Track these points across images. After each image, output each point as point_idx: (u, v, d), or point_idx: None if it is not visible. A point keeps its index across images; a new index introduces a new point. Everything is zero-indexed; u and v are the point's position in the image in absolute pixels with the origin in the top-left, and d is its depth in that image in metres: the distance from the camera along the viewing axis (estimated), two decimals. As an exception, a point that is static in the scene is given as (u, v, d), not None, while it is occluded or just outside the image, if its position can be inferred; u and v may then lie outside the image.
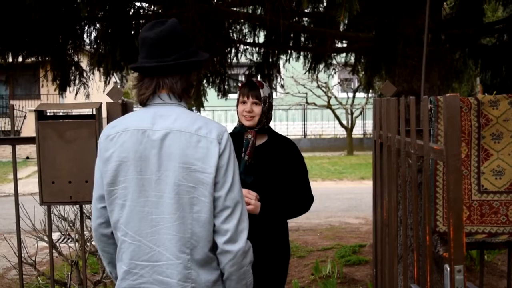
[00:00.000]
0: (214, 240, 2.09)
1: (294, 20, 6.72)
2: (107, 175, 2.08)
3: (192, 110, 8.61)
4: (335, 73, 9.10)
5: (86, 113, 3.11)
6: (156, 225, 2.05)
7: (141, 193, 2.05)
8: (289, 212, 3.07)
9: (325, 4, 6.54)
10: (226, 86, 7.47)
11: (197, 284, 2.07)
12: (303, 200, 3.09)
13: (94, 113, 2.96)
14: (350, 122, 21.84)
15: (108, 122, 2.99)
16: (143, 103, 2.15)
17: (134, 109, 3.05)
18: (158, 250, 2.05)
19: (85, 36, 6.13)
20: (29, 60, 6.07)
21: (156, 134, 2.04)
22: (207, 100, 7.63)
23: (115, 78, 7.53)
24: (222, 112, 21.82)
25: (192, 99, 2.27)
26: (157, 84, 2.10)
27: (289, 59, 7.58)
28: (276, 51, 7.31)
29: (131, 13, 5.85)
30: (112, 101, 3.04)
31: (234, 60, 7.23)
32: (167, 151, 2.02)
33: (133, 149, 2.05)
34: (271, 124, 3.18)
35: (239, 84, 3.16)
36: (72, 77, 6.57)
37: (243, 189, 2.81)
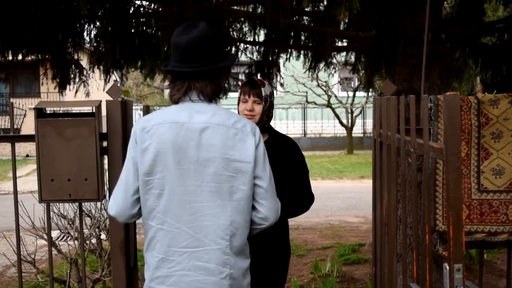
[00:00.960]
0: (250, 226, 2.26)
1: (294, 18, 6.70)
2: (144, 165, 2.17)
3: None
4: (335, 72, 9.09)
5: (85, 111, 3.11)
6: (195, 213, 2.15)
7: (179, 182, 2.14)
8: (289, 212, 3.07)
9: (325, 2, 6.54)
10: (226, 85, 7.46)
11: (235, 270, 2.19)
12: (304, 199, 3.09)
13: (94, 111, 2.96)
14: (350, 121, 21.84)
15: (107, 120, 3.00)
16: (175, 103, 2.27)
17: (134, 107, 3.05)
18: (197, 236, 2.15)
19: (85, 34, 6.12)
20: (29, 58, 6.06)
21: (195, 126, 2.16)
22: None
23: (115, 76, 7.53)
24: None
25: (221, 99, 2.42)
26: (188, 87, 2.22)
27: (289, 58, 7.56)
28: (276, 50, 7.30)
29: (131, 11, 5.84)
30: (111, 99, 3.04)
31: (234, 58, 7.21)
32: (206, 143, 2.15)
33: (171, 140, 2.15)
34: (271, 123, 3.17)
35: (240, 83, 3.15)
36: (72, 75, 6.57)
37: None
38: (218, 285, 2.17)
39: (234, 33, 6.99)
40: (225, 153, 2.15)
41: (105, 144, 3.05)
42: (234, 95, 3.19)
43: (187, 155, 2.14)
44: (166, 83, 2.34)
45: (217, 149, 2.14)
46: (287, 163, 3.04)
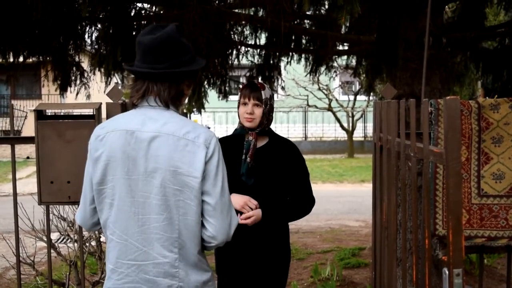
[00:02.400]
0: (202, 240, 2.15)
1: (295, 22, 6.71)
2: (96, 175, 2.11)
3: (193, 111, 8.64)
4: (336, 75, 9.08)
5: (86, 113, 3.11)
6: (143, 225, 2.07)
7: (128, 193, 2.07)
8: (290, 215, 3.06)
9: (326, 6, 6.54)
10: (227, 88, 7.46)
11: (185, 283, 2.10)
12: (304, 202, 3.09)
13: (94, 113, 2.95)
14: (351, 124, 21.83)
15: (107, 122, 2.99)
16: (133, 105, 2.19)
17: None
18: (145, 249, 2.08)
19: (86, 36, 6.13)
20: (30, 60, 6.06)
21: (144, 135, 2.07)
22: (208, 102, 7.62)
23: (116, 78, 7.53)
24: (223, 113, 21.82)
25: (183, 105, 2.27)
26: (146, 88, 2.12)
27: (290, 61, 7.56)
28: (277, 53, 7.30)
29: (132, 14, 5.85)
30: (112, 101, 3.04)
31: (235, 61, 7.22)
32: (154, 153, 2.05)
33: (121, 149, 2.07)
34: (272, 126, 3.17)
35: (240, 86, 3.15)
36: (73, 78, 6.57)
37: (244, 196, 2.84)
38: None
39: (235, 36, 6.99)
40: (172, 165, 2.04)
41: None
42: (234, 98, 3.18)
43: (136, 165, 2.06)
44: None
45: (164, 160, 2.04)
46: (288, 166, 3.03)
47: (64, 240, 4.86)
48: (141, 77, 2.14)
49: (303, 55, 7.51)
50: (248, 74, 7.52)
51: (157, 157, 2.05)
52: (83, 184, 2.20)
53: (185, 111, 8.32)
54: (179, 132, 2.07)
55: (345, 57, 8.30)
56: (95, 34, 6.15)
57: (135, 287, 2.10)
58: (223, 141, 3.03)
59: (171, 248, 2.07)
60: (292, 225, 7.40)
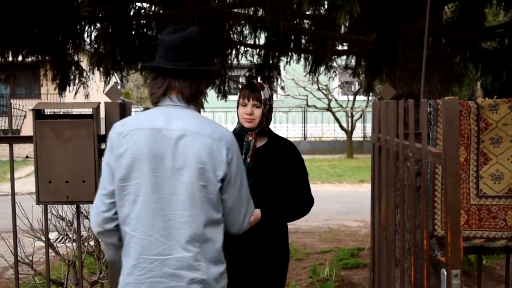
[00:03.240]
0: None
1: (294, 22, 6.70)
2: (119, 171, 2.16)
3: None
4: (335, 75, 9.08)
5: (84, 113, 3.10)
6: (168, 221, 2.14)
7: (154, 190, 2.13)
8: (289, 215, 3.06)
9: (326, 6, 6.54)
10: (226, 88, 7.46)
11: (207, 275, 2.17)
12: (303, 202, 3.09)
13: (92, 113, 2.95)
14: (350, 125, 21.84)
15: (106, 122, 2.99)
16: (154, 103, 2.26)
17: (134, 109, 3.05)
18: (170, 244, 2.14)
19: (85, 35, 6.12)
20: (29, 59, 6.06)
21: (172, 133, 2.14)
22: (207, 101, 7.61)
23: (115, 78, 7.52)
24: (222, 113, 21.78)
25: (199, 104, 2.37)
26: (168, 85, 2.20)
27: (289, 61, 7.56)
28: (276, 53, 7.29)
29: (131, 13, 5.84)
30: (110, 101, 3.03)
31: (235, 61, 7.22)
32: (182, 151, 2.12)
33: (147, 147, 2.13)
34: (271, 126, 3.16)
35: (239, 86, 3.14)
36: (72, 77, 6.56)
37: None
38: None
39: (235, 36, 6.99)
40: (199, 162, 2.12)
41: (103, 146, 3.04)
42: (234, 98, 3.18)
43: (163, 163, 2.12)
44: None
45: (192, 157, 2.12)
46: (287, 166, 3.03)
47: (63, 239, 4.86)
48: (162, 74, 2.21)
49: (302, 55, 7.51)
50: (247, 74, 7.51)
51: (185, 154, 2.12)
52: (101, 178, 2.24)
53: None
54: (205, 131, 2.16)
55: (344, 57, 8.31)
56: (94, 34, 6.14)
57: (157, 281, 2.15)
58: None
59: (194, 243, 2.14)
60: (291, 225, 7.40)
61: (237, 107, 3.05)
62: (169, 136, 2.13)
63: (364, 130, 23.55)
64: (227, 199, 2.21)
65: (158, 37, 2.25)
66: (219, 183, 2.16)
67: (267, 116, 3.03)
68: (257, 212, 2.89)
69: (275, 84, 7.61)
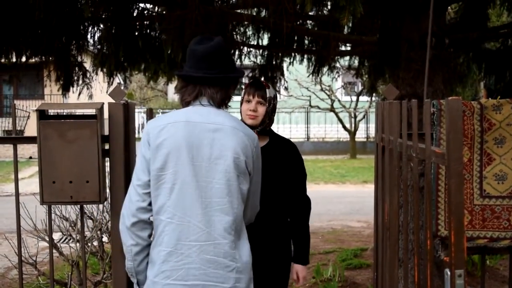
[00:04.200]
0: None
1: (298, 22, 6.71)
2: (157, 161, 2.28)
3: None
4: (338, 76, 9.08)
5: (88, 113, 3.10)
6: (206, 207, 2.26)
7: (193, 178, 2.26)
8: (308, 233, 3.21)
9: (329, 7, 6.54)
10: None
11: (241, 264, 2.30)
12: (303, 204, 3.14)
13: (96, 113, 2.95)
14: (353, 125, 21.82)
15: (110, 122, 2.99)
16: (186, 103, 2.41)
17: (137, 110, 3.06)
18: (207, 230, 2.25)
19: (88, 36, 6.14)
20: (33, 60, 6.07)
21: (209, 126, 2.30)
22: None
23: (118, 78, 7.54)
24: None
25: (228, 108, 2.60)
26: (199, 92, 2.37)
27: (292, 62, 7.56)
28: (279, 54, 7.30)
29: (134, 14, 5.85)
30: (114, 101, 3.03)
31: (238, 62, 7.23)
32: (219, 142, 2.29)
33: (185, 138, 2.27)
34: (274, 127, 3.17)
35: (243, 86, 3.15)
36: (76, 78, 6.58)
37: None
38: (225, 278, 2.26)
39: (238, 36, 6.99)
40: (235, 152, 2.28)
41: (107, 146, 3.05)
42: (237, 98, 3.17)
43: (200, 152, 2.26)
44: (170, 86, 2.45)
45: (229, 149, 2.28)
46: (287, 166, 3.04)
47: (66, 240, 4.86)
48: (192, 82, 2.38)
49: (305, 56, 7.51)
50: (250, 74, 7.52)
51: (222, 145, 2.28)
52: (136, 169, 2.36)
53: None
54: (239, 127, 2.37)
55: (347, 57, 8.29)
56: (97, 34, 6.15)
57: (195, 267, 2.24)
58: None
59: (229, 231, 2.28)
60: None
61: (241, 104, 3.06)
62: (207, 128, 2.29)
63: (367, 130, 23.51)
64: (250, 190, 2.39)
65: (188, 47, 2.41)
66: (248, 174, 2.35)
67: (270, 115, 3.03)
68: (301, 269, 3.14)
69: (278, 84, 7.61)
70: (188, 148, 2.26)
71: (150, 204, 2.31)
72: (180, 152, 2.26)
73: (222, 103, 2.41)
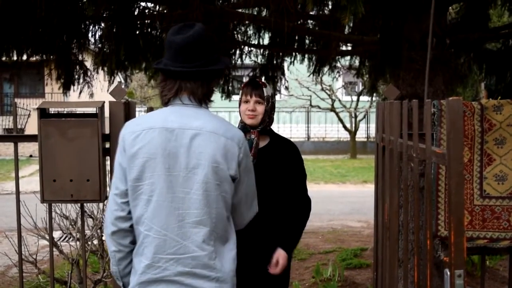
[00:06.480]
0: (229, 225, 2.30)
1: (299, 22, 6.71)
2: (133, 171, 2.16)
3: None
4: (339, 76, 9.08)
5: (89, 112, 3.11)
6: (182, 220, 2.15)
7: (168, 189, 2.14)
8: (301, 228, 3.13)
9: (330, 6, 6.54)
10: (230, 87, 7.47)
11: (222, 273, 2.20)
12: (304, 207, 3.12)
13: (97, 112, 2.96)
14: (353, 125, 21.82)
15: (110, 121, 3.00)
16: (165, 103, 2.26)
17: (138, 109, 3.06)
18: (184, 243, 2.15)
19: (89, 35, 6.13)
20: (34, 58, 6.07)
21: (186, 133, 2.14)
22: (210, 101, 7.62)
23: (119, 77, 7.54)
24: (226, 113, 21.73)
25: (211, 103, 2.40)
26: (179, 87, 2.20)
27: (293, 61, 7.56)
28: (280, 53, 7.30)
29: (136, 13, 5.85)
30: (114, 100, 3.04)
31: (239, 61, 7.23)
32: (196, 150, 2.13)
33: (161, 147, 2.13)
34: (275, 126, 3.16)
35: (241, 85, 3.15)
36: (76, 76, 6.58)
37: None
38: None
39: (239, 36, 7.00)
40: (214, 161, 2.14)
41: (107, 145, 3.05)
42: (237, 98, 3.18)
43: (177, 162, 2.13)
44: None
45: (207, 156, 2.13)
46: (288, 166, 3.04)
47: (66, 238, 4.87)
48: (172, 76, 2.21)
49: (306, 55, 7.51)
50: (251, 74, 7.52)
51: (200, 153, 2.13)
52: (114, 177, 2.25)
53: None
54: (219, 130, 2.18)
55: (348, 57, 8.29)
56: (98, 33, 6.15)
57: (173, 279, 2.16)
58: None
59: (208, 241, 2.16)
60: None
61: (239, 105, 3.06)
62: (183, 135, 2.14)
63: (367, 130, 23.51)
64: (235, 196, 2.25)
65: (166, 38, 2.23)
66: (232, 182, 2.19)
67: (269, 114, 3.03)
68: (283, 256, 2.98)
69: (279, 84, 7.62)
70: (164, 158, 2.13)
71: (129, 212, 2.21)
72: (156, 163, 2.13)
73: (204, 98, 2.24)
